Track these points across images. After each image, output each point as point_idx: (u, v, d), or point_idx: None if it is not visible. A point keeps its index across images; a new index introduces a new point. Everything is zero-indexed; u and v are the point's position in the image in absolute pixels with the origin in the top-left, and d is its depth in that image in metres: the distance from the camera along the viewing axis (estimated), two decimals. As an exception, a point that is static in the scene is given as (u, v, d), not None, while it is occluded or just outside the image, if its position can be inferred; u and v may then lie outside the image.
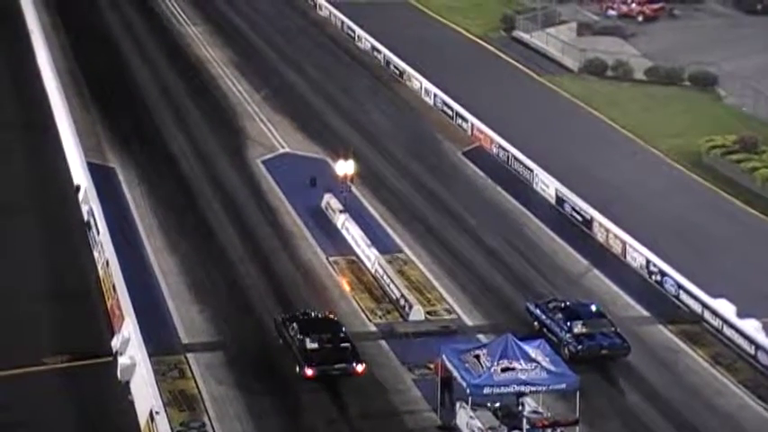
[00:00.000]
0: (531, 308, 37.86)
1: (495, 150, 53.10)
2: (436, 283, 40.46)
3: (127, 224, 43.25)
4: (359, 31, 71.24)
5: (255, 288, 39.34)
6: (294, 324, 34.56)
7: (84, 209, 43.09)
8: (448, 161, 52.95)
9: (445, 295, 39.66)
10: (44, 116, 53.39)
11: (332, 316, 35.83)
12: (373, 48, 68.52)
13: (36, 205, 45.05)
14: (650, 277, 41.48)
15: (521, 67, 68.89)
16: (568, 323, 36.06)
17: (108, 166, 48.74)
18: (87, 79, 59.73)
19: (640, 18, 78.54)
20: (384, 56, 66.77)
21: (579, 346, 35.44)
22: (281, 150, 52.38)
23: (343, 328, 34.80)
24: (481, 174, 51.21)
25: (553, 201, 47.82)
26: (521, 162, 50.71)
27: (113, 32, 69.85)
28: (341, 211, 44.29)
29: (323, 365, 33.16)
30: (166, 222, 43.82)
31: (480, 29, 76.25)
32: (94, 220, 41.15)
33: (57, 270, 40.01)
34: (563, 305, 37.29)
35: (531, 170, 49.76)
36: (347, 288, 39.93)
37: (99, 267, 39.05)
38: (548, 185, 48.40)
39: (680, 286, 39.85)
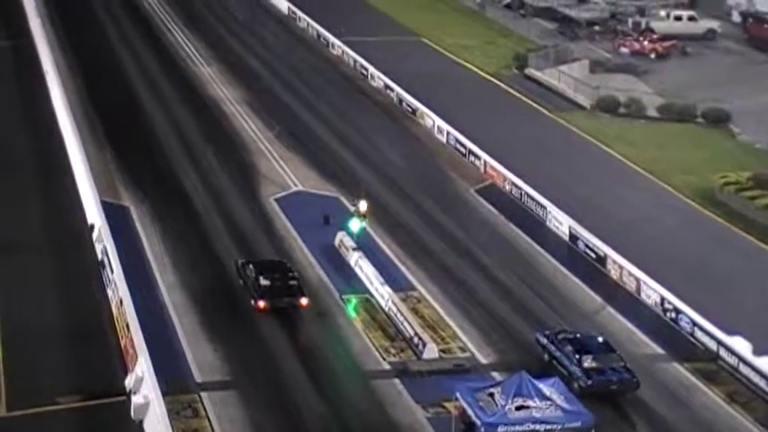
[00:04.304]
0: (541, 339, 37.79)
1: (507, 187, 53.08)
2: (450, 321, 40.34)
3: (140, 262, 43.24)
4: (372, 69, 71.47)
5: (270, 326, 39.27)
6: (251, 266, 40.58)
7: (98, 247, 43.16)
8: (461, 198, 52.92)
9: (459, 333, 39.54)
10: (58, 155, 53.60)
11: (285, 261, 41.86)
12: (386, 86, 68.72)
13: (50, 244, 45.07)
14: (665, 314, 41.31)
15: (533, 104, 68.96)
16: (578, 357, 35.97)
17: (122, 205, 48.83)
18: (101, 118, 59.89)
19: (653, 56, 78.72)
20: (397, 94, 66.92)
21: (589, 381, 35.32)
22: (294, 189, 52.45)
23: (293, 271, 40.49)
24: (494, 211, 51.18)
25: (566, 238, 47.74)
26: (534, 199, 50.68)
27: (128, 72, 70.17)
28: (354, 249, 44.28)
29: (273, 299, 39.06)
30: (180, 260, 43.83)
31: (493, 67, 76.44)
32: (108, 258, 41.18)
33: (70, 309, 39.95)
34: (572, 336, 37.25)
35: (545, 207, 49.72)
36: (360, 326, 39.85)
37: (113, 306, 39.02)
38: (561, 222, 48.34)
39: (695, 324, 39.67)
